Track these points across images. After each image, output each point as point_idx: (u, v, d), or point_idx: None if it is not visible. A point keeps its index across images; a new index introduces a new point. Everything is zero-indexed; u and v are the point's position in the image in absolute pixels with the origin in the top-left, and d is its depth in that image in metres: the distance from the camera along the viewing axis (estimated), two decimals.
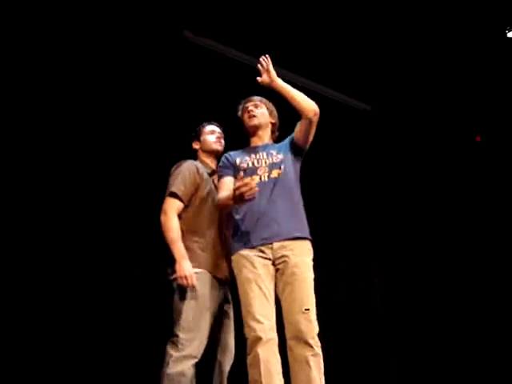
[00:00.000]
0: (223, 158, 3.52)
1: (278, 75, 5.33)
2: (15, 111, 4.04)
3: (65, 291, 4.12)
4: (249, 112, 3.54)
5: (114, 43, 4.44)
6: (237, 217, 3.25)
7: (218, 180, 3.44)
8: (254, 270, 3.09)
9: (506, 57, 5.37)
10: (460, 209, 6.67)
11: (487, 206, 6.66)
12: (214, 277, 3.30)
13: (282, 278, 3.11)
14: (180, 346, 3.10)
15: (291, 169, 3.36)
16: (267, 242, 3.14)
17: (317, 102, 5.78)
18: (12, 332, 3.88)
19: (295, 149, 3.40)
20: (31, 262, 4.03)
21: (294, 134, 3.40)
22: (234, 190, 2.98)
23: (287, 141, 3.48)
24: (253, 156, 3.41)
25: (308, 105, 3.38)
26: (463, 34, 5.13)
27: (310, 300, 3.06)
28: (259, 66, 3.32)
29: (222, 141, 3.70)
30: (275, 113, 3.67)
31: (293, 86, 5.20)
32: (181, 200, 3.36)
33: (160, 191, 4.57)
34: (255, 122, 3.52)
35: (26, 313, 3.96)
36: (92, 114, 4.37)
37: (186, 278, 3.12)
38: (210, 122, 3.79)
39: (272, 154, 3.40)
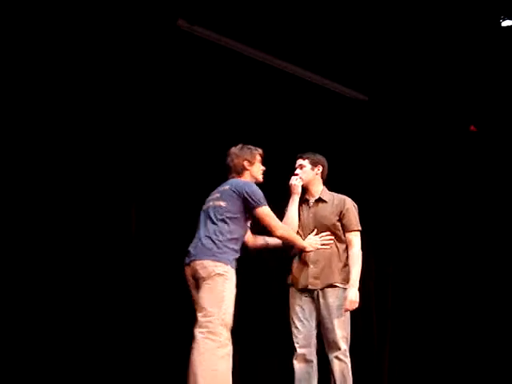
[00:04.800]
0: None
1: (273, 65, 5.34)
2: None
3: (66, 290, 4.19)
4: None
5: (107, 32, 4.42)
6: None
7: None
8: None
9: (501, 46, 5.35)
10: (456, 199, 6.67)
11: (483, 196, 6.65)
12: None
13: None
14: None
15: None
16: None
17: (313, 93, 5.84)
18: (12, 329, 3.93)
19: None
20: (32, 261, 4.09)
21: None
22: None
23: None
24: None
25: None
26: (458, 23, 5.09)
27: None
28: None
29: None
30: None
31: (287, 77, 5.20)
32: None
33: (155, 185, 4.65)
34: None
35: (27, 311, 4.02)
36: (85, 104, 4.38)
37: None
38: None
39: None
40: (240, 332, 4.15)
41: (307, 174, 3.93)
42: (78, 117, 4.33)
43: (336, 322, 3.71)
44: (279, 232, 3.61)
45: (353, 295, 3.70)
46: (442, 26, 5.15)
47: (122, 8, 4.42)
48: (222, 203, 3.52)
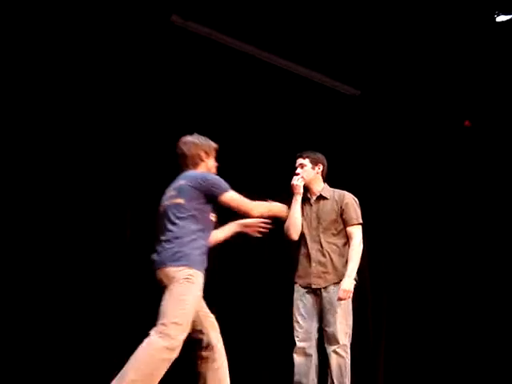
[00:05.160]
0: None
1: (266, 60, 5.31)
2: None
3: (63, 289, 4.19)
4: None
5: (101, 28, 4.41)
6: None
7: None
8: None
9: (495, 42, 5.36)
10: (450, 194, 6.69)
11: (478, 191, 6.67)
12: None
13: None
14: None
15: None
16: None
17: (304, 87, 5.83)
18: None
19: None
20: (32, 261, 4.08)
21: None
22: None
23: None
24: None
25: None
26: (452, 18, 5.11)
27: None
28: None
29: None
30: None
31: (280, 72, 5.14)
32: None
33: (150, 191, 4.62)
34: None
35: (22, 315, 4.02)
36: (79, 105, 4.36)
37: None
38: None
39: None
40: (240, 325, 4.15)
41: (308, 173, 3.94)
42: (73, 120, 4.33)
43: (337, 317, 3.71)
44: (255, 212, 3.37)
45: (347, 285, 3.68)
46: (436, 21, 5.16)
47: (116, 4, 4.39)
48: (181, 200, 3.24)
